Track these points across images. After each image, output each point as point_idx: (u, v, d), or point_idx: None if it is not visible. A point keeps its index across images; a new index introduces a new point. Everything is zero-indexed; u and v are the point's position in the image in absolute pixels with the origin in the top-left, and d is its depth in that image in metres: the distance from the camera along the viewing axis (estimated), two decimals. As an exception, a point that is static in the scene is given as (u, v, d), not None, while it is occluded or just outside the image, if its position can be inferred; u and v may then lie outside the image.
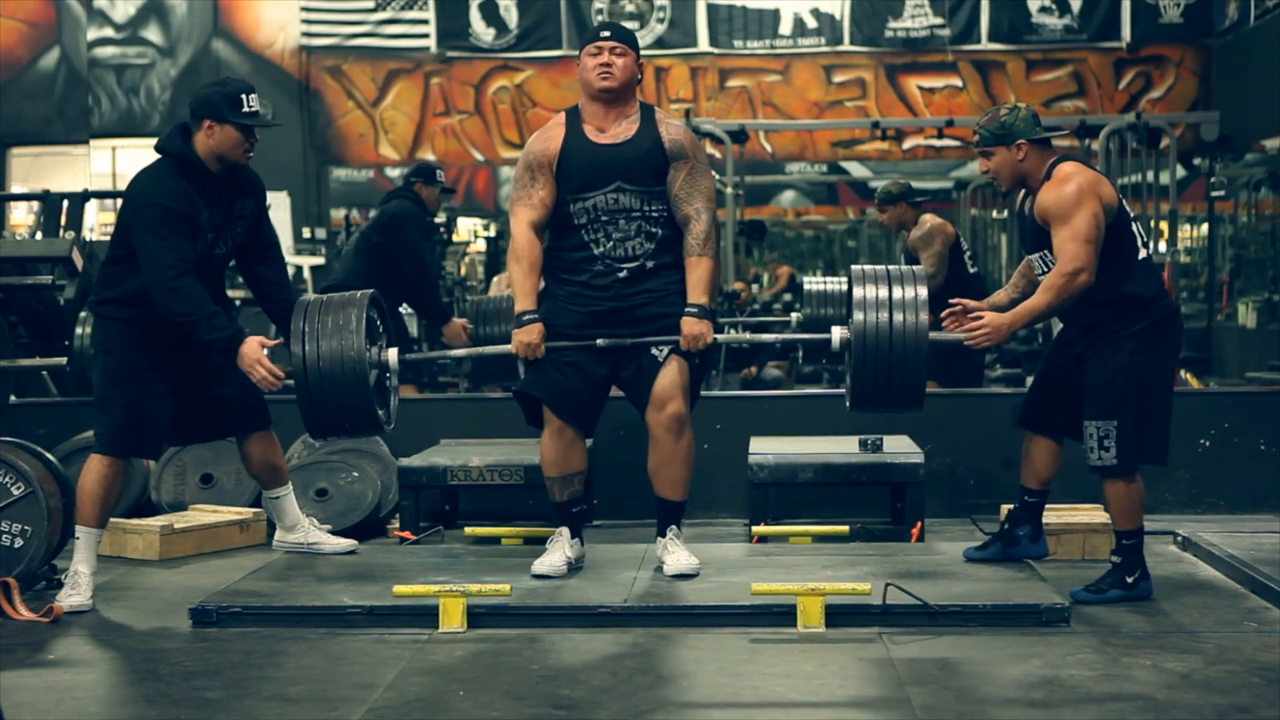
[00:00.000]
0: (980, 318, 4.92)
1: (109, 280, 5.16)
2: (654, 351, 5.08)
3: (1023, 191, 5.06)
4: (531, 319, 5.04)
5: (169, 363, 5.13)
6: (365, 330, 5.00)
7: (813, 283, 8.98)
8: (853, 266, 5.07)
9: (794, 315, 9.14)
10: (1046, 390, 5.14)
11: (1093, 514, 5.84)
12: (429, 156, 16.77)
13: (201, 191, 5.07)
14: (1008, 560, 5.25)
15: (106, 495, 5.13)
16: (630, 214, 5.06)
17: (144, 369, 5.11)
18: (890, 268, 4.99)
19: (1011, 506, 5.41)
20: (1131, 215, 5.00)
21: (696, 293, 5.06)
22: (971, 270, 8.03)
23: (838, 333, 5.00)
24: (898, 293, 4.85)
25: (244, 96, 5.09)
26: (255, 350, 5.05)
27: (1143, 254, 4.96)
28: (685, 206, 5.08)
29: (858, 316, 4.85)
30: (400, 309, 7.94)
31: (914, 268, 5.04)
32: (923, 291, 4.85)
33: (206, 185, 5.09)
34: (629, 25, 16.21)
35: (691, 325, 5.03)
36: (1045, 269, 4.94)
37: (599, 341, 5.05)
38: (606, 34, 5.11)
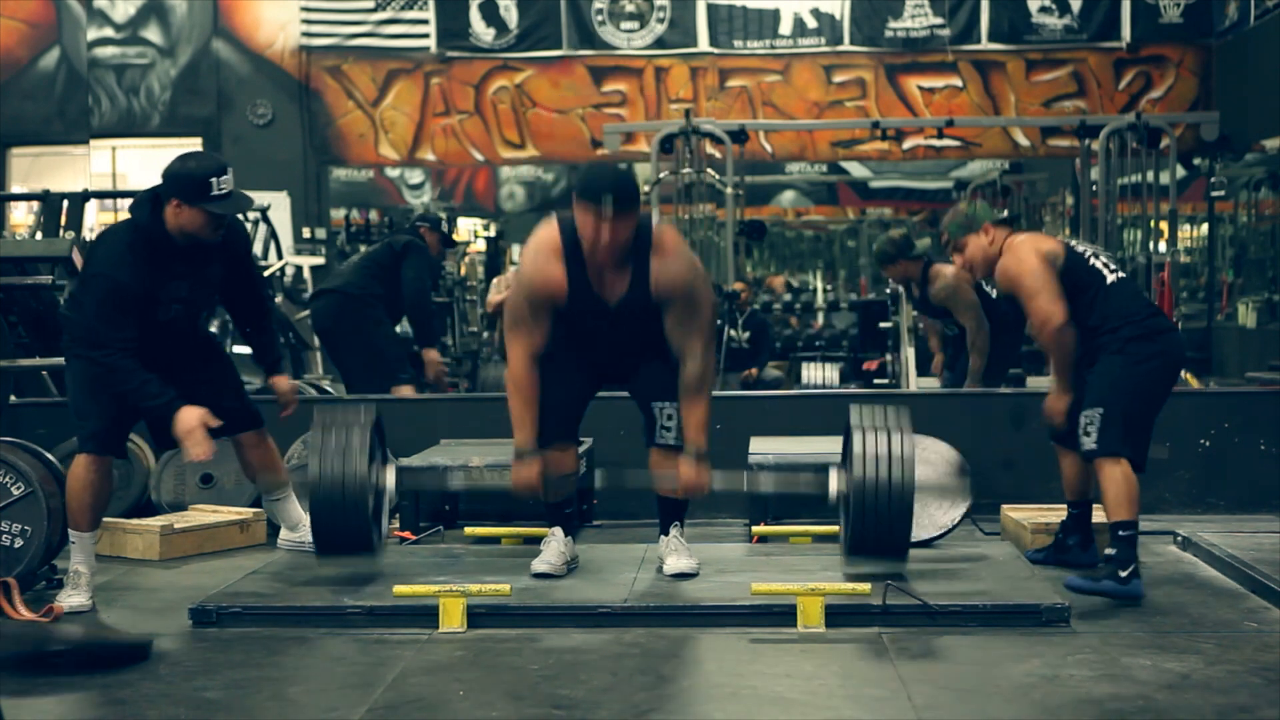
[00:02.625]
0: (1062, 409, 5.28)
1: (75, 306, 5.14)
2: (666, 425, 5.08)
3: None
4: (532, 455, 5.01)
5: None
6: (367, 452, 5.01)
7: (810, 370, 9.00)
8: (851, 411, 4.98)
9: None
10: (1070, 407, 5.31)
11: (1095, 516, 5.84)
12: (429, 156, 16.77)
13: (166, 265, 4.96)
14: (1058, 566, 5.41)
15: (95, 499, 5.11)
16: (632, 346, 5.08)
17: None
18: (889, 411, 4.93)
19: (1006, 507, 5.62)
20: (1089, 254, 5.24)
21: (694, 434, 4.98)
22: (994, 296, 8.06)
23: (834, 483, 5.00)
24: (895, 446, 4.82)
25: (213, 180, 4.88)
26: (189, 418, 4.95)
27: (1111, 279, 5.18)
28: (678, 344, 4.98)
29: (857, 471, 4.83)
30: (399, 328, 8.30)
31: (901, 411, 4.96)
32: (909, 446, 4.82)
33: (172, 258, 4.98)
34: (629, 26, 16.21)
35: (689, 472, 4.99)
36: None
37: (597, 484, 5.19)
38: (609, 201, 4.74)
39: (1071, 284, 5.12)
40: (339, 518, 4.99)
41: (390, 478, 5.19)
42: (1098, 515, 5.73)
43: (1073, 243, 5.28)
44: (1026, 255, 5.12)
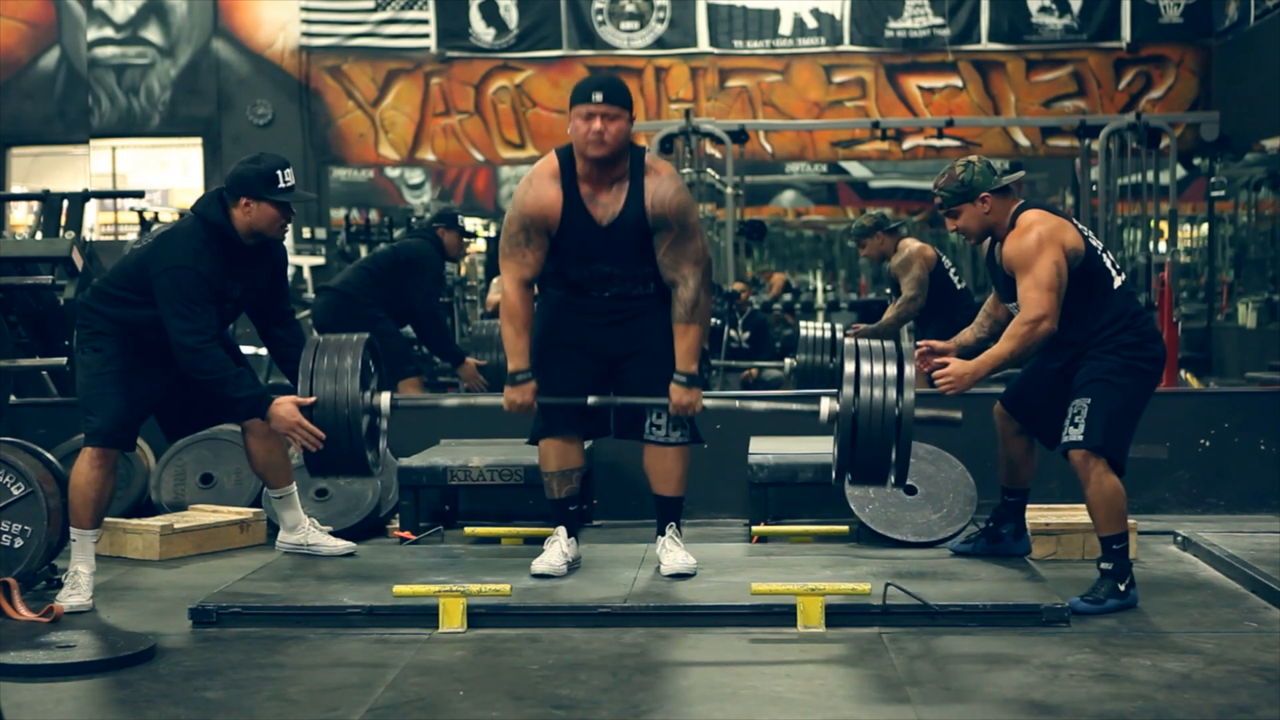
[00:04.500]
0: (946, 363, 5.01)
1: (106, 300, 5.17)
2: (655, 423, 5.12)
3: (990, 240, 5.16)
4: (525, 379, 5.04)
5: (157, 362, 5.13)
6: (360, 375, 5.04)
7: (808, 328, 9.04)
8: (846, 340, 5.03)
9: (788, 361, 9.21)
10: (1033, 381, 5.22)
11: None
12: (429, 156, 16.77)
13: (230, 265, 5.12)
14: (993, 556, 5.33)
15: (99, 497, 5.11)
16: (622, 280, 5.09)
17: (133, 366, 5.12)
18: (886, 344, 4.94)
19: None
20: (1100, 249, 5.07)
21: (685, 360, 5.03)
22: (959, 286, 8.11)
23: (826, 405, 4.97)
24: (891, 369, 4.81)
25: (279, 173, 5.11)
26: (291, 412, 5.05)
27: (1118, 282, 5.06)
28: (671, 273, 5.03)
29: (847, 391, 4.82)
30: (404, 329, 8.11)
31: (904, 345, 4.98)
32: (909, 370, 4.82)
33: (236, 259, 5.15)
34: (629, 26, 16.22)
35: (680, 395, 5.02)
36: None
37: (590, 400, 5.08)
38: (599, 96, 4.92)
39: (1084, 279, 4.96)
40: (331, 437, 5.02)
41: (385, 402, 5.20)
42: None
43: (1089, 234, 5.08)
44: (1050, 247, 4.88)
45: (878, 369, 4.80)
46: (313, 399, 5.06)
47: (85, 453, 5.12)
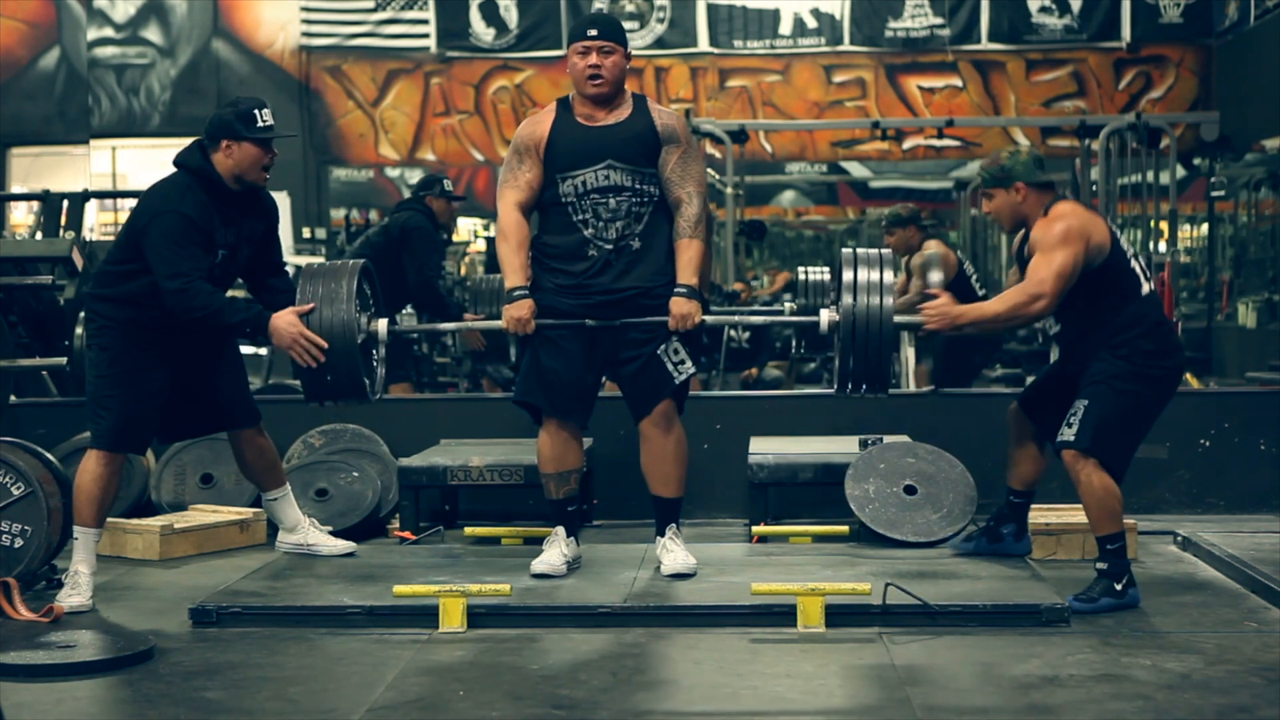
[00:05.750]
0: (936, 295, 5.11)
1: (109, 279, 5.16)
2: (660, 354, 5.09)
3: (1022, 232, 5.18)
4: (521, 294, 5.07)
5: (163, 361, 5.14)
6: (355, 298, 5.10)
7: (809, 273, 9.15)
8: (843, 250, 5.16)
9: (788, 305, 9.26)
10: (1050, 383, 5.24)
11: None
12: (429, 156, 16.77)
13: (219, 209, 5.11)
14: (993, 555, 5.34)
15: (103, 495, 5.12)
16: (620, 191, 5.05)
17: (140, 367, 5.11)
18: (870, 252, 5.10)
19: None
20: (1131, 253, 5.07)
21: (686, 273, 5.07)
22: (980, 293, 8.14)
23: (825, 316, 5.08)
24: (874, 276, 4.97)
25: (257, 112, 5.12)
26: (292, 323, 5.10)
27: (1146, 289, 5.04)
28: (677, 189, 5.09)
29: (846, 300, 4.94)
30: (401, 312, 8.04)
31: (885, 251, 5.16)
32: (889, 275, 4.99)
33: (224, 203, 5.13)
34: (629, 26, 16.20)
35: (680, 305, 5.04)
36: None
37: (587, 322, 5.07)
38: (594, 32, 5.07)
39: (1109, 279, 4.96)
40: (329, 360, 5.07)
41: (382, 327, 5.24)
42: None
43: (1119, 237, 5.08)
44: (1074, 240, 4.88)
45: (874, 276, 4.95)
46: (310, 305, 5.12)
47: (91, 453, 5.12)
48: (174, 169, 5.17)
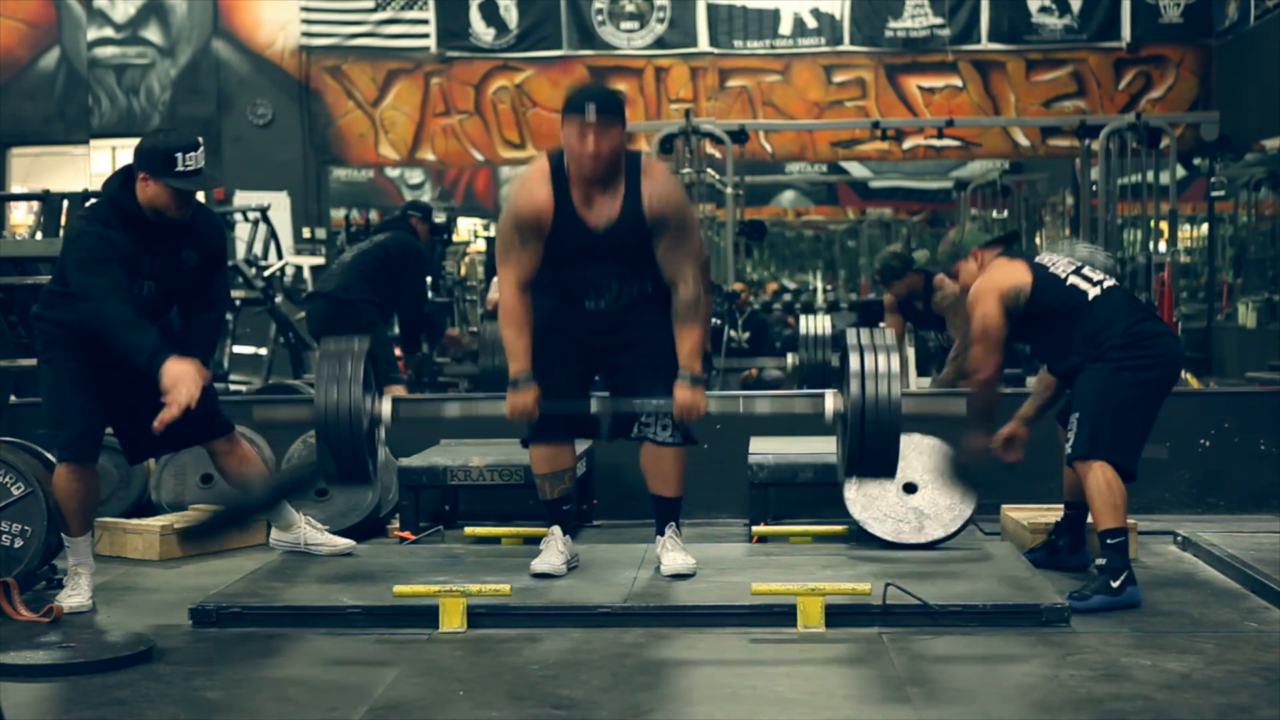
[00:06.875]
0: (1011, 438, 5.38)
1: (48, 302, 5.08)
2: (655, 433, 5.10)
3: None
4: (527, 382, 4.97)
5: (111, 377, 5.00)
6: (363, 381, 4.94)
7: (808, 324, 9.04)
8: (848, 334, 5.02)
9: (790, 358, 9.21)
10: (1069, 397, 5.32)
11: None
12: (429, 156, 16.77)
13: (138, 238, 4.90)
14: (1050, 568, 5.37)
15: (82, 505, 5.05)
16: (619, 279, 5.04)
17: (88, 377, 4.99)
18: (877, 335, 4.93)
19: (1006, 507, 5.66)
20: (1070, 270, 5.18)
21: (689, 360, 4.97)
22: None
23: (830, 403, 4.98)
24: (882, 363, 4.82)
25: (179, 155, 4.83)
26: (189, 374, 4.77)
27: (1094, 294, 5.13)
28: (671, 272, 4.98)
29: (854, 389, 4.82)
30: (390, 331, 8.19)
31: (887, 332, 5.02)
32: (895, 362, 4.86)
33: (145, 233, 4.93)
34: (629, 26, 16.21)
35: (685, 395, 4.95)
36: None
37: (593, 408, 5.07)
38: (592, 116, 4.82)
39: (1044, 311, 5.11)
40: (336, 445, 4.89)
41: (386, 410, 5.09)
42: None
43: (1050, 264, 5.18)
44: (987, 300, 5.12)
45: (881, 363, 4.81)
46: (209, 374, 4.93)
47: (60, 468, 5.04)
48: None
